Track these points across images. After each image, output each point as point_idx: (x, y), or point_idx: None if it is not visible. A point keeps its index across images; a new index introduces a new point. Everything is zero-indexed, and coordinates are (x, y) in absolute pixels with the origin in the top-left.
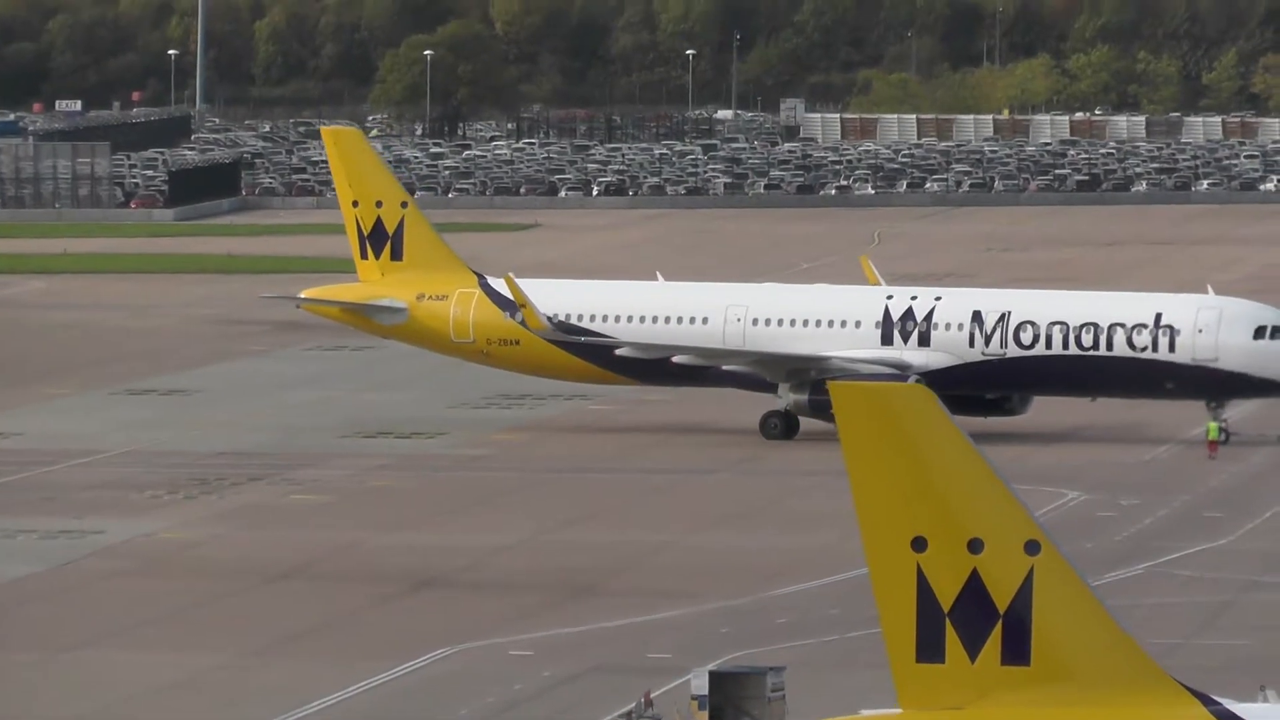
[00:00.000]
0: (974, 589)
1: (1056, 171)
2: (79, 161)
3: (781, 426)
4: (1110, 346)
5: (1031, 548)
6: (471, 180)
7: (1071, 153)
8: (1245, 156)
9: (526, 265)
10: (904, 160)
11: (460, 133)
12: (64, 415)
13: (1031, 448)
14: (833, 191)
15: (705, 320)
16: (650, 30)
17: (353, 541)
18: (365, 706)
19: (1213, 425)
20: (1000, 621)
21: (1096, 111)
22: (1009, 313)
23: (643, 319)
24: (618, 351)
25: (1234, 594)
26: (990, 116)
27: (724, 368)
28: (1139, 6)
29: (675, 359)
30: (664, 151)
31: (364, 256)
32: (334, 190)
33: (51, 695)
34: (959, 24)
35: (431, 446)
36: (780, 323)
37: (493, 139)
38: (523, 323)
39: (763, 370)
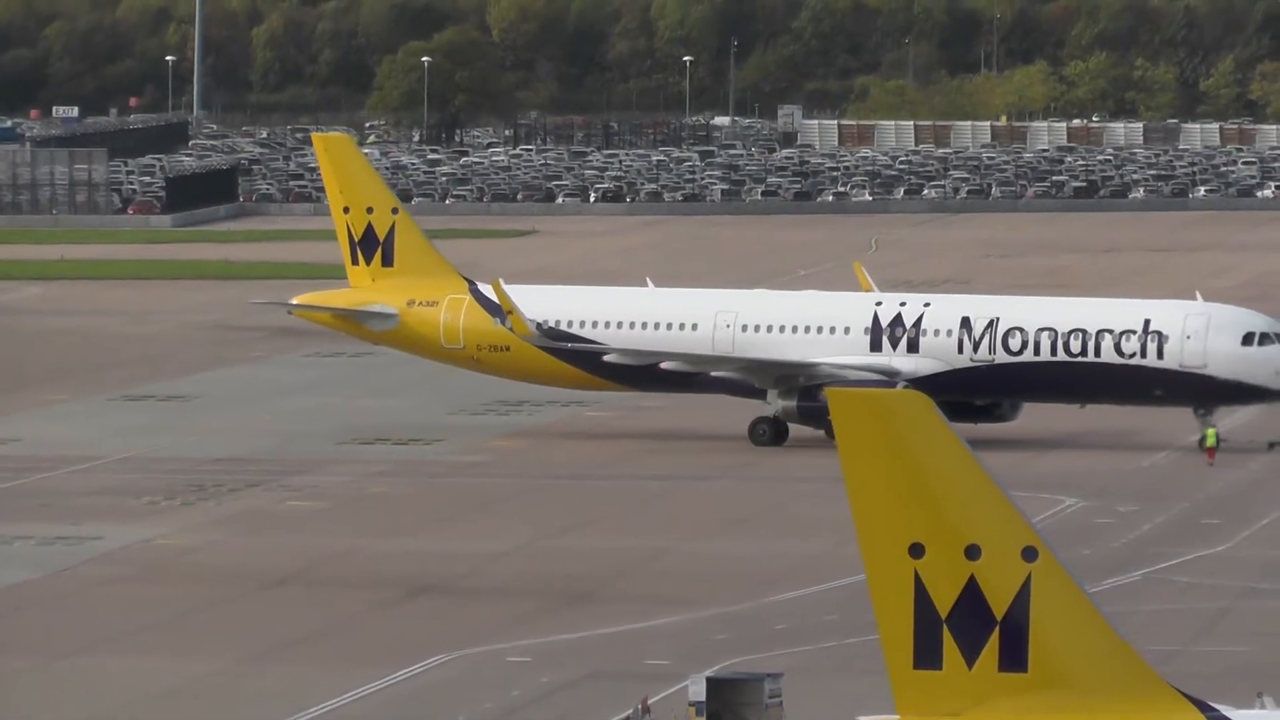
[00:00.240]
0: (971, 595)
1: (1054, 178)
2: (76, 168)
3: (770, 433)
4: (1098, 353)
5: (1029, 554)
6: (469, 187)
7: (1069, 159)
8: (1242, 163)
9: (524, 272)
10: (901, 167)
11: (458, 139)
12: (61, 421)
13: (1029, 454)
14: (830, 198)
15: (695, 326)
16: (647, 37)
17: (350, 548)
18: (363, 713)
19: (1210, 431)
20: (998, 628)
21: (1094, 118)
22: (997, 319)
23: (633, 325)
24: (606, 357)
25: (1232, 600)
26: (988, 123)
27: (713, 374)
28: (1136, 13)
29: (663, 365)
30: (661, 158)
31: (355, 262)
32: None
33: (49, 701)
34: (956, 31)
35: (429, 453)
36: (769, 329)
37: (490, 146)
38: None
39: (751, 376)
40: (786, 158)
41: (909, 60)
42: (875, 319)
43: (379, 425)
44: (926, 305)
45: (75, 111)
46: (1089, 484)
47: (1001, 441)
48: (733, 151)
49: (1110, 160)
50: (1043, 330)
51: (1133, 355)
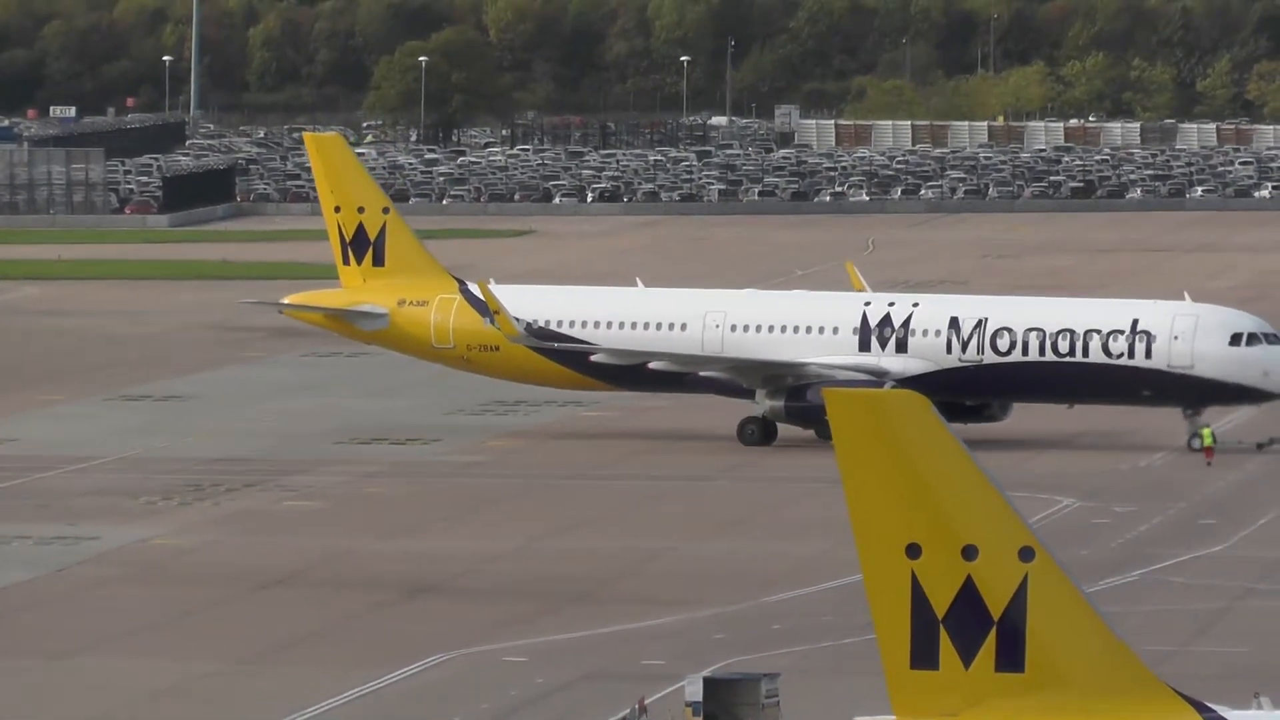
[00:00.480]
0: (968, 596)
1: (1051, 178)
2: (73, 168)
3: (759, 433)
4: (1086, 353)
5: (1026, 554)
6: (466, 187)
7: (1066, 160)
8: (1239, 163)
9: (521, 272)
10: (898, 167)
11: (455, 139)
12: (59, 421)
13: (1026, 455)
14: (827, 198)
15: (684, 326)
16: (644, 37)
17: (347, 548)
18: (360, 713)
19: (1206, 431)
20: (994, 628)
21: (1091, 118)
22: (986, 319)
23: (622, 325)
24: (593, 357)
25: (1229, 601)
26: (985, 123)
27: (701, 373)
28: (1133, 14)
29: (651, 365)
30: (658, 158)
31: (346, 262)
32: None
33: (47, 701)
34: (953, 31)
35: (426, 453)
36: (758, 329)
37: (487, 145)
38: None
39: (740, 376)
40: (784, 158)
41: (906, 60)
42: (864, 319)
43: (376, 425)
44: (915, 305)
45: (72, 111)
46: (1086, 484)
47: (998, 442)
48: (730, 151)
49: (1107, 160)
50: (1031, 330)
51: (1121, 355)
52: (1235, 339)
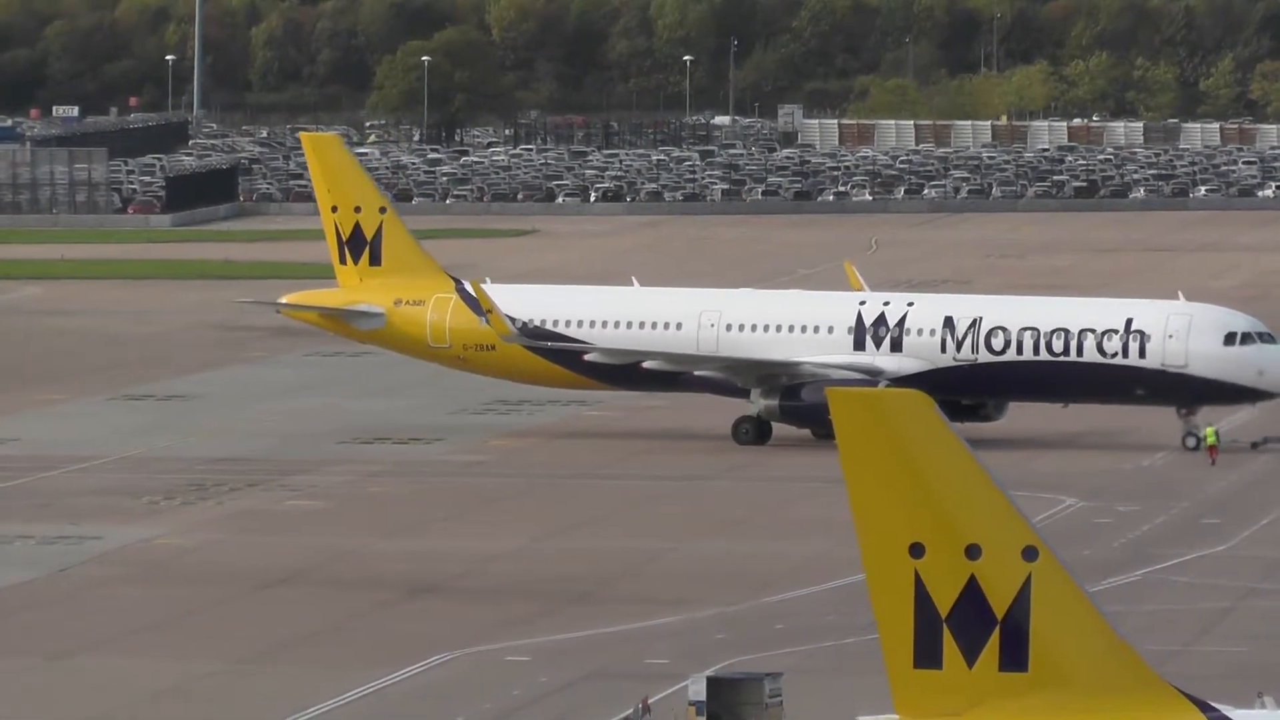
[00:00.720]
0: (971, 595)
1: (1054, 178)
2: (76, 167)
3: (754, 432)
4: (1080, 352)
5: (1029, 554)
6: (469, 186)
7: (1069, 159)
8: (1243, 163)
9: (523, 272)
10: (902, 166)
11: (458, 139)
12: (61, 421)
13: (1028, 454)
14: (830, 198)
15: (679, 326)
16: (647, 36)
17: (350, 548)
18: (362, 712)
19: (1210, 430)
20: (998, 628)
21: (1094, 118)
22: (980, 318)
23: (617, 324)
24: (587, 356)
25: (1232, 601)
26: (988, 123)
27: (696, 373)
28: (1136, 13)
29: (645, 364)
30: (661, 157)
31: (343, 262)
32: None
33: (48, 701)
34: (957, 30)
35: (429, 452)
36: (753, 328)
37: (490, 145)
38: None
39: (734, 375)
40: (787, 157)
41: (909, 60)
42: (859, 318)
43: (379, 425)
44: (910, 305)
45: (75, 111)
46: (1088, 484)
47: (1000, 441)
48: (733, 151)
49: (1110, 160)
50: (1025, 330)
51: (1115, 355)
52: (1229, 338)
